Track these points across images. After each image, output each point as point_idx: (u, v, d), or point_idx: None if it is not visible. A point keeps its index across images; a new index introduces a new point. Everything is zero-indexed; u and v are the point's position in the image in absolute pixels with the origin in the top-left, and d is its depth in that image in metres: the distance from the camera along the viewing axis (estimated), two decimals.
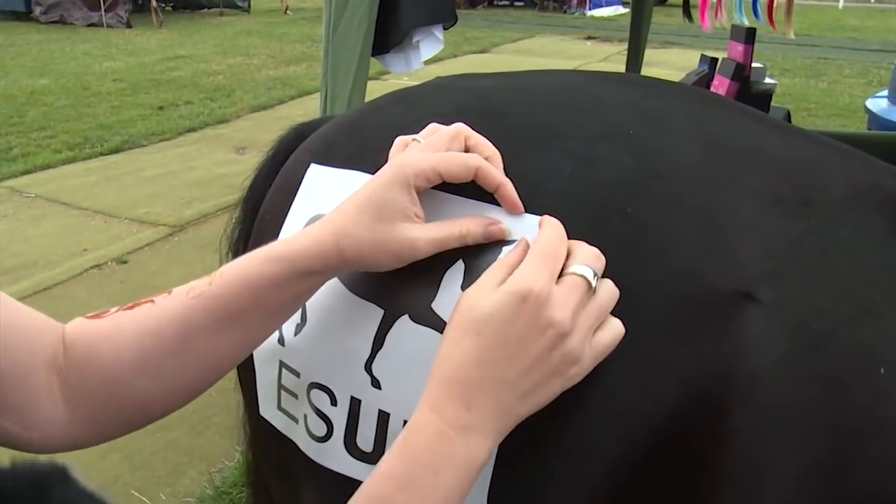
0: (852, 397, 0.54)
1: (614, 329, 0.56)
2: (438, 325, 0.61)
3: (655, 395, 0.56)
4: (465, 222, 0.60)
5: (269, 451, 0.79)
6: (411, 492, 0.51)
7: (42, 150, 5.48)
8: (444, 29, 2.37)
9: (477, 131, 0.66)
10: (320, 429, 0.67)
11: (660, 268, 0.58)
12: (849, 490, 0.53)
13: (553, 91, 0.75)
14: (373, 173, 0.68)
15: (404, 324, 0.62)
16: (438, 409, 0.54)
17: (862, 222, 0.61)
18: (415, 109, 0.75)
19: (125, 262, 3.73)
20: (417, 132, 0.69)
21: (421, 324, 0.62)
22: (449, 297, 0.61)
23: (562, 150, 0.62)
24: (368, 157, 0.72)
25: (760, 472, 0.54)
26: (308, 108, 6.63)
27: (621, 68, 3.64)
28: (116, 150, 5.63)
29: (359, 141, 0.76)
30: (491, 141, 0.65)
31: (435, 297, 0.61)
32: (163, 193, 4.73)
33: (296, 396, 0.69)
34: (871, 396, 0.54)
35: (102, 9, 12.23)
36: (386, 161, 0.66)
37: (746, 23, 2.96)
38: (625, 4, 16.45)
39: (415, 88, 0.82)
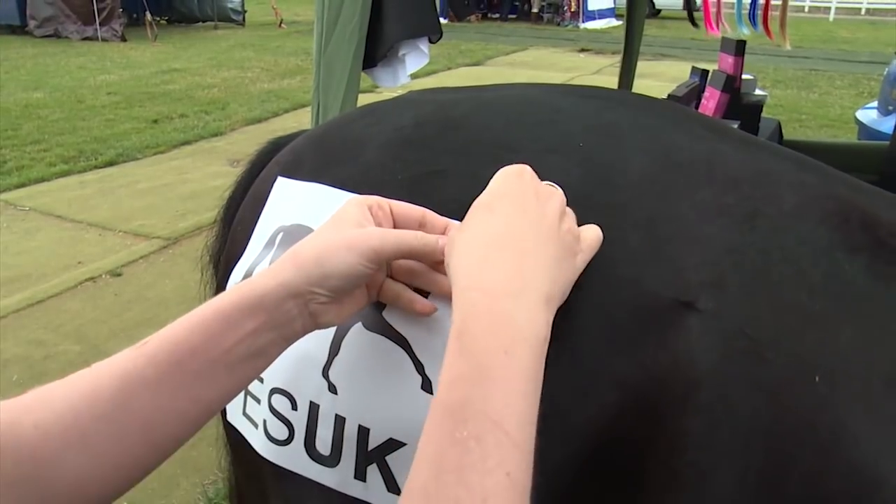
0: (790, 405, 0.55)
1: (595, 229, 0.59)
2: (389, 333, 0.63)
3: (595, 401, 0.57)
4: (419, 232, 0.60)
5: (238, 457, 0.80)
6: (488, 383, 0.45)
7: (36, 164, 5.49)
8: (431, 42, 2.38)
9: (434, 143, 0.69)
10: (282, 432, 0.69)
11: (602, 275, 0.59)
12: (785, 495, 0.54)
13: (512, 104, 0.77)
14: (336, 186, 0.70)
15: (358, 331, 0.65)
16: (481, 283, 0.50)
17: (807, 233, 0.62)
18: (378, 123, 0.77)
19: (119, 275, 3.74)
20: (379, 145, 0.72)
21: (373, 331, 0.64)
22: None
23: (512, 161, 0.64)
24: (331, 169, 0.74)
25: (699, 478, 0.55)
26: (302, 121, 6.65)
27: (614, 80, 3.67)
28: (111, 163, 5.64)
29: (324, 154, 0.78)
30: (446, 152, 0.68)
31: (386, 305, 0.64)
32: (157, 206, 4.74)
33: (258, 401, 0.71)
34: (808, 404, 0.55)
35: (97, 22, 12.27)
36: (348, 174, 0.69)
37: (747, 32, 2.99)
38: (618, 17, 16.57)
39: (383, 102, 0.84)
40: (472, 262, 0.53)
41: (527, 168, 0.59)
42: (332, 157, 0.76)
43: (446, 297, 0.58)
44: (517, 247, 0.53)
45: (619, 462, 0.57)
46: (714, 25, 3.19)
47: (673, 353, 0.57)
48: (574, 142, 0.68)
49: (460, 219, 0.61)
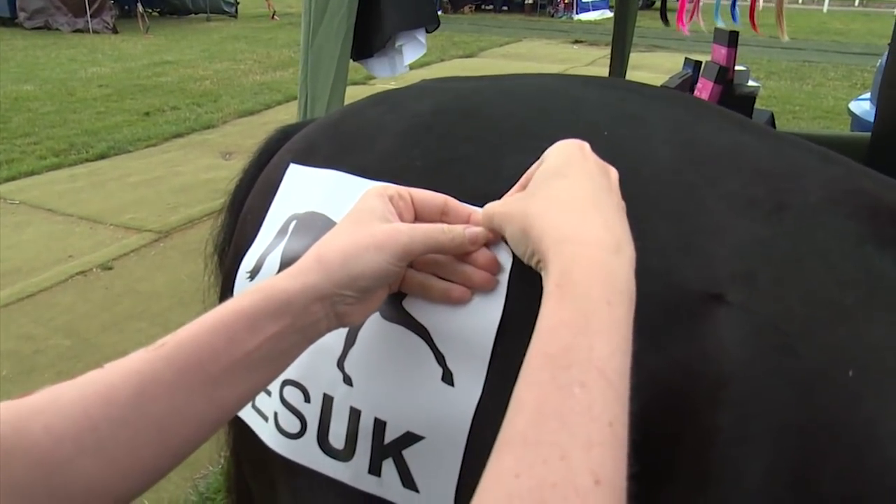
0: (821, 399, 0.54)
1: None
2: (408, 323, 0.61)
3: None
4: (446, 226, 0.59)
5: (246, 451, 0.79)
6: (592, 331, 0.44)
7: (27, 157, 5.45)
8: (428, 33, 2.38)
9: (455, 131, 0.67)
10: (294, 425, 0.67)
11: None
12: (817, 491, 0.53)
13: (532, 93, 0.75)
14: (353, 173, 0.69)
15: (376, 321, 0.63)
16: (581, 236, 0.49)
17: (837, 226, 0.61)
18: (395, 110, 0.76)
19: (110, 269, 3.71)
20: (396, 132, 0.69)
21: (392, 321, 0.62)
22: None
23: (536, 150, 0.62)
24: (348, 156, 0.72)
25: (730, 473, 0.54)
26: (295, 113, 6.60)
27: (607, 71, 3.66)
28: (102, 156, 5.60)
29: (339, 141, 0.76)
30: (468, 140, 0.67)
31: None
32: (148, 199, 4.70)
33: (269, 394, 0.69)
34: (840, 399, 0.54)
35: (88, 14, 12.18)
36: (365, 161, 0.67)
37: (723, 26, 2.97)
38: (611, 8, 16.53)
39: (397, 90, 0.82)
40: (563, 219, 0.51)
41: (585, 143, 0.58)
42: (348, 143, 0.74)
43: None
44: (601, 209, 0.52)
45: (649, 457, 0.56)
46: (685, 22, 3.17)
47: (703, 347, 0.55)
48: (598, 131, 0.67)
49: (482, 206, 0.60)
